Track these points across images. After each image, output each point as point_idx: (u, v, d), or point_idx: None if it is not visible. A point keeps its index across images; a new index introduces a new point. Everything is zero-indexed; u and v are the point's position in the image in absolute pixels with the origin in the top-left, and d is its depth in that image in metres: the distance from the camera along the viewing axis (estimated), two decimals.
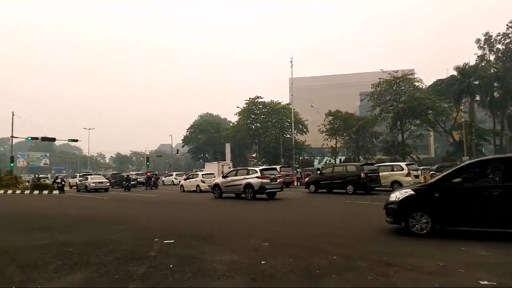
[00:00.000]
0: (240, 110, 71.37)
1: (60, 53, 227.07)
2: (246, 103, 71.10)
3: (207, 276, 5.11)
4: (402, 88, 49.05)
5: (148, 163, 55.36)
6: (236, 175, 19.54)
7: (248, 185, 18.22)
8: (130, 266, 5.72)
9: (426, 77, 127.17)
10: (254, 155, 68.93)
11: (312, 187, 22.33)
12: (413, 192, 8.07)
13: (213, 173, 30.07)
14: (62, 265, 5.82)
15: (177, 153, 76.06)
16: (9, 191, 29.68)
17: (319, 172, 24.01)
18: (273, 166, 25.07)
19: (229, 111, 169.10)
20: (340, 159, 52.65)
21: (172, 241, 7.69)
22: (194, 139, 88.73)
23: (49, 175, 66.25)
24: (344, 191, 20.17)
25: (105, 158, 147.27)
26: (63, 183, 30.53)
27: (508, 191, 7.03)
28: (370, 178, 19.73)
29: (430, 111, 47.20)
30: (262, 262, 5.77)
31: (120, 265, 5.80)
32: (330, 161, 58.78)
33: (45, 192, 28.80)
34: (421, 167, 32.40)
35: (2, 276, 5.27)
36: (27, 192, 29.42)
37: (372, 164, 24.42)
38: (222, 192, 19.72)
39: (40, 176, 52.74)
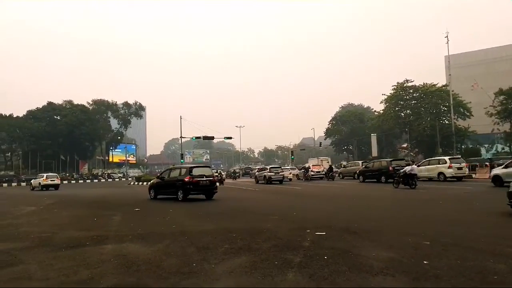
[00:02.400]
0: (386, 97, 66.96)
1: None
2: (393, 89, 66.17)
3: (363, 271, 4.97)
4: None
5: (292, 157, 57.58)
6: None
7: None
8: (287, 254, 6.05)
9: None
10: (404, 145, 63.76)
11: (361, 178, 29.87)
12: None
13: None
14: (229, 248, 6.58)
15: (320, 146, 76.59)
16: None
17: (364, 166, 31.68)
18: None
19: (373, 100, 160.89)
20: None
21: (324, 233, 7.78)
22: (337, 131, 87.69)
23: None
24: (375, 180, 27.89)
25: (254, 153, 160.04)
26: (221, 176, 34.68)
27: None
28: (397, 170, 23.62)
29: None
30: (425, 262, 5.28)
31: (277, 252, 6.20)
32: (503, 149, 49.64)
33: None
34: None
35: (186, 254, 6.27)
36: None
37: (402, 159, 34.11)
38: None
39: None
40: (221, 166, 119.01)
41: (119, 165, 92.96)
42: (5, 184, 48.27)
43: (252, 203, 16.02)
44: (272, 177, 30.84)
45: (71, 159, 75.64)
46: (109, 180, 61.65)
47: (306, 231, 8.10)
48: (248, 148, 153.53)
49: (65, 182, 49.07)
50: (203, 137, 50.26)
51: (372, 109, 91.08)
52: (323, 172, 35.81)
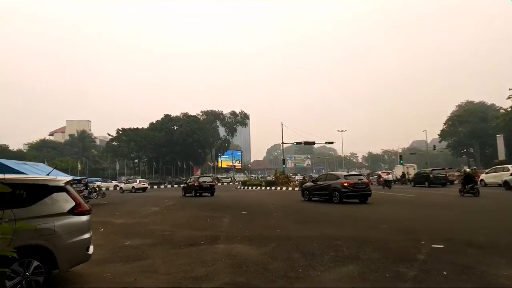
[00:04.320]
0: None
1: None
2: None
3: None
4: None
5: (401, 162, 53.48)
6: None
7: None
8: (399, 266, 5.63)
9: None
10: None
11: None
12: None
13: None
14: (335, 256, 6.41)
15: (434, 149, 69.70)
16: (284, 188, 35.91)
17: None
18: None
19: (498, 96, 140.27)
20: None
21: (442, 246, 7.04)
22: (454, 132, 78.82)
23: (311, 173, 75.41)
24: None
25: (357, 158, 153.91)
26: None
27: None
28: (436, 177, 32.11)
29: None
30: None
31: (388, 264, 5.82)
32: None
33: None
34: None
35: (291, 259, 6.32)
36: (296, 189, 34.59)
37: (442, 169, 35.49)
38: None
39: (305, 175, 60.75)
40: (323, 171, 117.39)
41: (226, 170, 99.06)
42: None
43: (354, 210, 15.37)
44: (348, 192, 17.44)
45: (186, 165, 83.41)
46: (218, 184, 66.12)
47: (420, 242, 7.43)
48: (351, 153, 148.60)
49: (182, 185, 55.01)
50: (304, 142, 50.33)
51: (497, 106, 79.19)
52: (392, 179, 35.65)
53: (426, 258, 6.15)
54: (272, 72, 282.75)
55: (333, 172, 22.62)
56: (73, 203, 5.26)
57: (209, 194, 26.94)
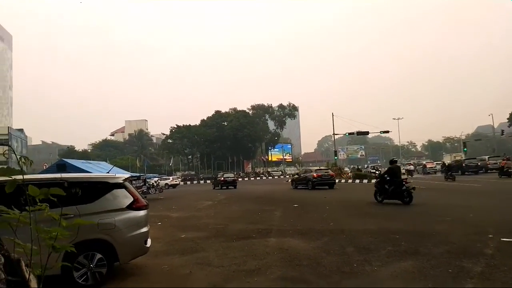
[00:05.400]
0: None
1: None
2: None
3: None
4: None
5: (465, 149, 49.80)
6: None
7: None
8: (464, 261, 5.25)
9: None
10: None
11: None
12: None
13: None
14: (392, 251, 6.12)
15: (502, 134, 64.02)
16: (337, 180, 35.13)
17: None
18: None
19: None
20: None
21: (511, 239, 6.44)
22: None
23: (365, 165, 73.05)
24: None
25: (416, 146, 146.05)
26: (377, 172, 32.84)
27: None
28: (468, 166, 36.20)
29: None
30: None
31: (451, 259, 5.44)
32: None
33: (365, 181, 31.86)
34: None
35: (346, 254, 6.15)
36: (349, 181, 33.70)
37: (473, 158, 39.22)
38: None
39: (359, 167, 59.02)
40: (378, 162, 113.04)
41: (277, 163, 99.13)
42: (188, 182, 57.80)
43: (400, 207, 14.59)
44: (316, 181, 24.83)
45: (237, 159, 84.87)
46: (269, 177, 66.45)
47: (487, 236, 6.87)
48: (408, 141, 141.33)
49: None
50: (357, 132, 48.76)
51: None
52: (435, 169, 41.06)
53: (494, 252, 5.69)
54: (319, 61, 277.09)
55: (309, 168, 29.12)
56: (131, 199, 5.54)
57: (232, 187, 32.31)
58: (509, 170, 26.07)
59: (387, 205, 13.12)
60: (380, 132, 52.07)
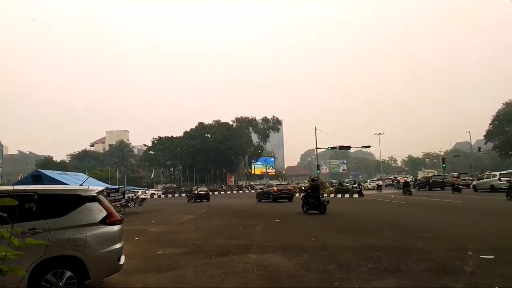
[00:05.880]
0: None
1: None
2: None
3: None
4: None
5: (444, 165, 50.93)
6: None
7: None
8: (444, 279, 5.21)
9: None
10: None
11: None
12: None
13: None
14: (374, 268, 6.03)
15: (479, 151, 65.93)
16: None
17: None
18: None
19: None
20: None
21: (492, 257, 6.46)
22: (501, 133, 74.20)
23: (346, 179, 73.66)
24: None
25: (397, 162, 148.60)
26: (360, 187, 33.05)
27: None
28: (434, 182, 38.35)
29: None
30: None
31: (431, 276, 5.40)
32: None
33: (346, 195, 32.02)
34: None
35: (326, 271, 6.02)
36: (332, 195, 33.76)
37: (439, 175, 43.46)
38: None
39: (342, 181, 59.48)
40: (360, 176, 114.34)
41: (260, 177, 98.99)
42: (169, 195, 56.82)
43: (393, 217, 14.67)
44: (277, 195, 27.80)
45: (220, 172, 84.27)
46: (252, 191, 66.12)
47: (467, 253, 6.88)
48: (389, 157, 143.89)
49: (215, 193, 55.43)
50: (339, 146, 49.13)
51: None
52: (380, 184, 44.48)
53: (474, 269, 5.68)
54: (303, 75, 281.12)
55: (271, 183, 31.97)
56: (105, 213, 5.29)
57: (206, 200, 33.79)
58: (459, 186, 30.33)
59: (368, 218, 13.11)
60: (362, 147, 52.67)
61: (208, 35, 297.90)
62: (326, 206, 15.90)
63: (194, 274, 6.17)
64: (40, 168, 53.32)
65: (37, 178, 17.62)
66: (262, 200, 29.08)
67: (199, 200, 33.73)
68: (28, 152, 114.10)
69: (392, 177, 68.97)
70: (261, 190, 32.25)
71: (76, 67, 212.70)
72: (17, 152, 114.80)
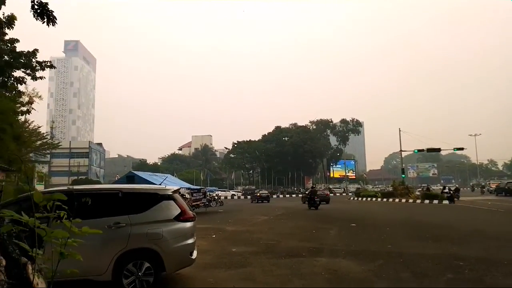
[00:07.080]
0: None
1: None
2: None
3: None
4: None
5: None
6: None
7: None
8: None
9: None
10: None
11: None
12: None
13: None
14: (453, 278, 5.55)
15: None
16: (403, 200, 32.95)
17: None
18: None
19: None
20: None
21: None
22: None
23: (438, 185, 67.78)
24: None
25: (497, 165, 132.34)
26: (451, 192, 30.08)
27: None
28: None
29: None
30: None
31: None
32: None
33: (435, 201, 29.46)
34: None
35: (399, 279, 5.69)
36: (418, 201, 31.38)
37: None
38: None
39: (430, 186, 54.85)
40: (453, 181, 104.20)
41: (339, 180, 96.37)
42: (248, 197, 58.46)
43: (484, 225, 13.12)
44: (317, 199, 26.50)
45: (298, 175, 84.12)
46: (330, 194, 64.80)
47: None
48: (488, 160, 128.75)
49: (293, 195, 55.95)
50: (427, 149, 45.37)
51: None
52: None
53: None
54: (389, 76, 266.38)
55: (314, 188, 29.99)
56: (179, 211, 5.72)
57: (266, 202, 38.92)
58: None
59: (456, 227, 11.96)
60: (454, 149, 48.12)
61: (287, 38, 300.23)
62: (318, 204, 24.09)
63: (262, 273, 6.32)
64: (136, 169, 59.24)
65: (130, 178, 19.62)
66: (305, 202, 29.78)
67: (260, 201, 38.55)
68: (126, 156, 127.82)
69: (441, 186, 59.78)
70: (304, 195, 33.43)
71: (168, 83, 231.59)
72: (117, 156, 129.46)
